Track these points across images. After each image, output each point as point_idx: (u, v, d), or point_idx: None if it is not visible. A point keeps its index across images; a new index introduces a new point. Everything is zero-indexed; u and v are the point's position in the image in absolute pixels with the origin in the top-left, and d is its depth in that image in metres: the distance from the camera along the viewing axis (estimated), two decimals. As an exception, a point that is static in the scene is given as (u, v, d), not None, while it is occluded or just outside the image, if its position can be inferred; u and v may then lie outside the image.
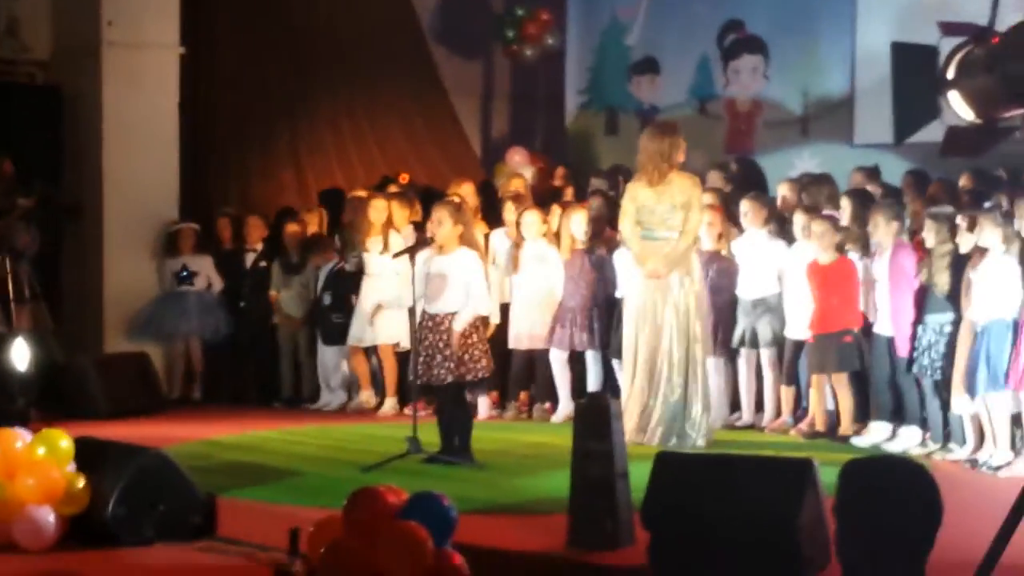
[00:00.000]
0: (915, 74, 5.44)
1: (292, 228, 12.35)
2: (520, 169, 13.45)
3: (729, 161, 12.72)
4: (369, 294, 11.49)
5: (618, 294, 10.61)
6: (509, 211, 11.39)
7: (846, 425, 9.89)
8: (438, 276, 9.16)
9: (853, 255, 9.91)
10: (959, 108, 5.38)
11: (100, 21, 12.67)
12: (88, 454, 7.67)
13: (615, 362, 10.61)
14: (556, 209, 11.39)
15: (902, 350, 9.44)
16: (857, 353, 9.81)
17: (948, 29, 5.63)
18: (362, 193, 12.28)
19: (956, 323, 9.01)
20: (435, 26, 15.74)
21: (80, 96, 12.90)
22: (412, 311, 9.34)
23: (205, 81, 13.77)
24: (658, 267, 9.58)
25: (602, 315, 10.80)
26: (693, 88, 14.24)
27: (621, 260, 10.46)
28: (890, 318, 9.55)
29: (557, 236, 11.10)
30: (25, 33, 12.92)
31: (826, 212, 10.22)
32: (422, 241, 9.81)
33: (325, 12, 14.51)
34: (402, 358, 11.49)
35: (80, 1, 12.88)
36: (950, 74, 5.49)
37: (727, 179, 11.68)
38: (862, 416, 9.94)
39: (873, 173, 11.40)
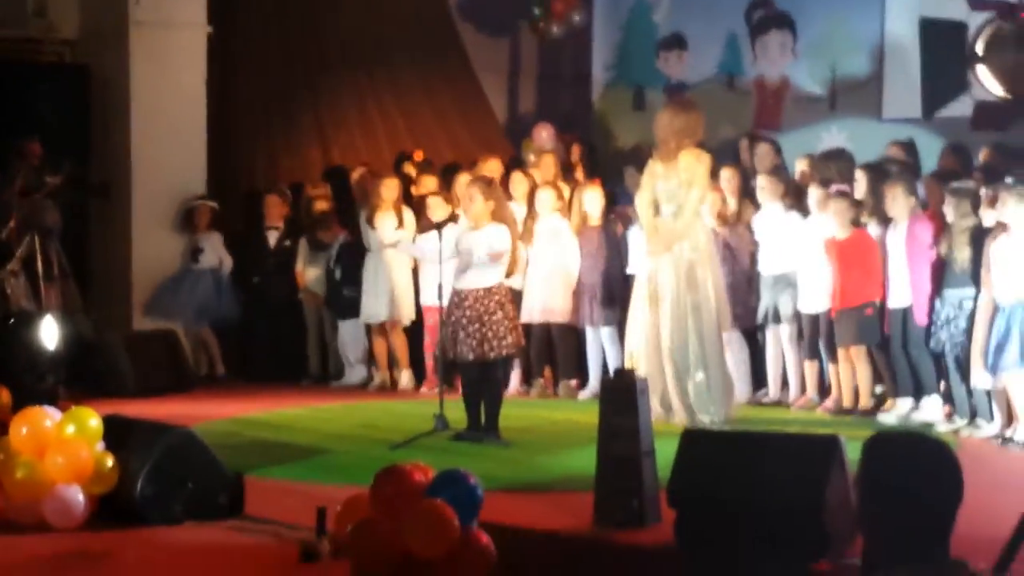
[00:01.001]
0: (943, 49, 5.40)
1: (321, 205, 12.34)
2: (547, 145, 13.43)
3: (759, 138, 12.65)
4: (378, 272, 11.52)
5: (629, 271, 10.60)
6: (518, 183, 11.39)
7: (865, 399, 9.87)
8: (465, 252, 9.16)
9: (871, 228, 9.87)
10: (988, 83, 5.34)
11: (127, 0, 12.67)
12: (117, 433, 7.69)
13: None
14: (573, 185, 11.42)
15: (920, 320, 9.41)
16: (878, 326, 9.78)
17: (976, 5, 5.59)
18: (366, 169, 12.29)
19: (976, 299, 8.98)
20: (463, 3, 15.70)
21: (108, 76, 12.94)
22: (441, 287, 9.32)
23: (231, 59, 13.77)
24: (656, 246, 9.53)
25: (619, 291, 10.76)
26: (721, 64, 14.20)
27: (635, 236, 10.43)
28: (909, 288, 9.50)
29: (573, 212, 11.11)
30: (53, 13, 12.96)
31: (837, 187, 10.17)
32: (450, 217, 9.85)
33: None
34: (411, 332, 11.59)
35: (107, -20, 12.91)
36: (979, 49, 5.46)
37: (776, 153, 11.49)
38: (893, 391, 9.92)
39: (909, 147, 11.33)
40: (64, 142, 11.93)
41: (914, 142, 11.42)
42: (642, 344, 9.65)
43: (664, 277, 9.55)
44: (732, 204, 10.74)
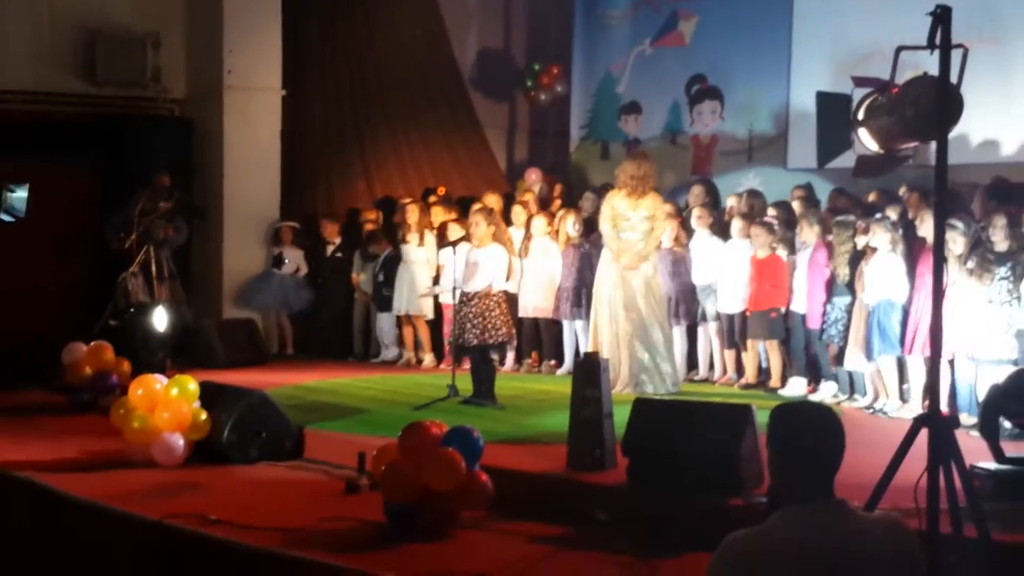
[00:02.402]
0: (834, 115, 5.40)
1: (370, 227, 12.32)
2: (534, 186, 13.45)
3: (694, 182, 12.70)
4: (405, 277, 11.49)
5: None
6: (518, 213, 11.38)
7: (776, 379, 9.87)
8: (472, 264, 9.18)
9: (780, 252, 9.86)
10: (866, 141, 5.35)
11: (223, 70, 12.65)
12: (209, 394, 7.71)
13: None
14: (558, 213, 11.40)
15: (813, 323, 9.42)
16: (783, 325, 9.79)
17: (859, 82, 5.57)
18: (404, 200, 12.28)
19: (852, 304, 9.01)
20: (473, 75, 15.69)
21: (207, 127, 12.89)
22: (455, 290, 9.32)
23: (299, 115, 13.73)
24: (632, 261, 9.57)
25: (589, 294, 10.78)
26: (667, 125, 14.17)
27: (603, 254, 10.47)
28: (806, 299, 9.51)
29: (558, 234, 11.10)
30: (166, 78, 12.91)
31: (765, 219, 10.17)
32: (462, 238, 9.85)
33: (388, 63, 14.45)
34: (432, 324, 11.56)
35: (207, 54, 12.85)
36: (860, 115, 5.42)
37: (706, 191, 11.52)
38: (792, 373, 9.91)
39: (808, 189, 11.38)
40: (174, 177, 11.91)
41: (812, 186, 11.44)
42: (608, 334, 9.64)
43: (626, 283, 9.56)
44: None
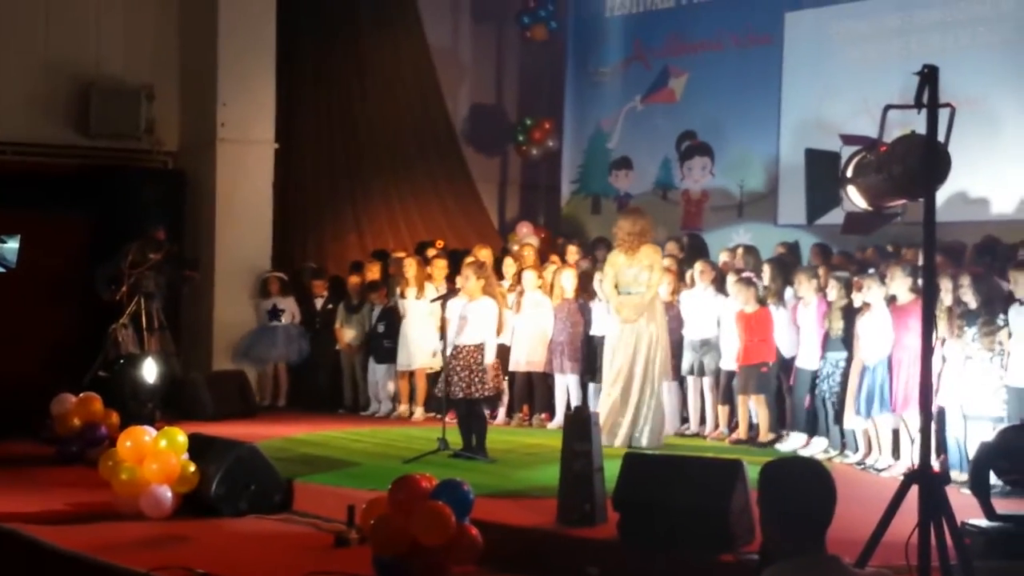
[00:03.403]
0: (823, 172, 5.44)
1: (353, 279, 12.34)
2: (526, 239, 13.48)
3: (682, 235, 12.77)
4: (407, 330, 11.50)
5: (592, 332, 10.62)
6: (508, 266, 11.42)
7: (764, 434, 9.85)
8: (462, 318, 9.20)
9: (772, 307, 9.88)
10: (855, 198, 5.39)
11: (216, 123, 12.74)
12: (198, 446, 7.69)
13: (591, 384, 10.61)
14: (550, 267, 11.43)
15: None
16: (773, 380, 9.78)
17: (848, 140, 5.62)
18: (401, 254, 12.30)
19: (848, 360, 9.01)
20: (465, 130, 15.81)
21: (199, 179, 12.96)
22: (445, 344, 9.33)
23: (292, 167, 13.79)
24: (631, 315, 9.59)
25: (582, 349, 10.79)
26: (657, 180, 14.25)
27: (598, 308, 10.46)
28: (813, 352, 9.46)
29: (550, 288, 11.11)
30: (159, 131, 12.98)
31: (745, 274, 10.20)
32: (451, 291, 9.86)
33: (381, 117, 14.54)
34: (431, 378, 11.54)
35: (200, 107, 12.94)
36: (849, 173, 5.47)
37: (680, 248, 11.66)
38: (780, 427, 9.90)
39: (792, 246, 11.45)
40: (166, 228, 11.91)
41: (797, 242, 11.51)
42: (611, 389, 9.62)
43: (628, 338, 9.57)
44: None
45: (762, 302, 9.84)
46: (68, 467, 9.02)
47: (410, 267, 11.59)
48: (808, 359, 9.49)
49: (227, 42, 12.76)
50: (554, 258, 12.20)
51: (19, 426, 9.94)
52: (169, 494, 7.36)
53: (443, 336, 9.35)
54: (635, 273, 9.65)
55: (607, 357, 9.75)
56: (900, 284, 8.65)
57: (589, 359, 10.68)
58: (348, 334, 12.17)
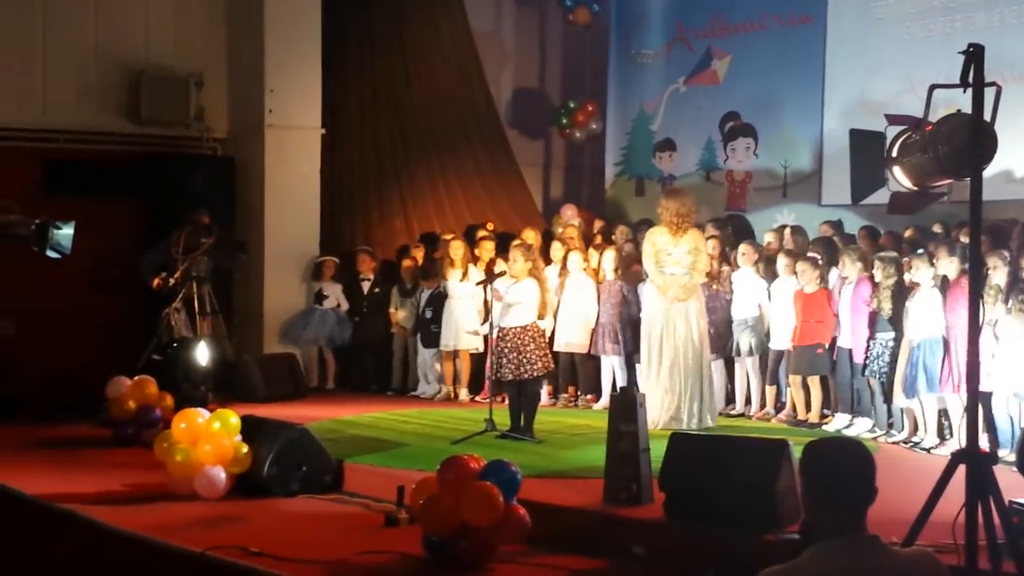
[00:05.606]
0: (867, 152, 5.39)
1: (407, 263, 12.37)
2: (571, 221, 13.46)
3: (725, 217, 12.71)
4: (451, 312, 11.53)
5: (642, 315, 10.61)
6: (556, 249, 11.42)
7: (815, 415, 9.81)
8: (510, 299, 9.19)
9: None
10: (900, 178, 5.33)
11: (264, 109, 12.80)
12: (251, 428, 7.75)
13: (637, 365, 10.61)
14: (593, 250, 11.41)
15: (858, 358, 9.36)
16: (828, 361, 9.73)
17: (893, 120, 5.57)
18: (447, 236, 12.33)
19: (897, 340, 8.95)
20: (509, 114, 15.79)
21: (248, 165, 13.03)
22: (492, 326, 9.34)
23: (338, 152, 13.84)
24: (679, 294, 9.58)
25: (627, 330, 10.76)
26: (701, 161, 14.18)
27: (645, 290, 10.44)
28: (850, 334, 9.46)
29: (595, 270, 11.11)
30: (209, 118, 13.06)
31: (810, 254, 10.14)
32: (491, 275, 9.88)
33: (425, 102, 14.55)
34: (475, 359, 11.57)
35: (249, 95, 13.00)
36: (894, 153, 5.42)
37: (719, 228, 11.55)
38: (825, 407, 9.85)
39: (837, 225, 11.36)
40: (215, 212, 12.01)
41: (841, 221, 11.41)
42: (652, 367, 9.62)
43: (675, 318, 9.57)
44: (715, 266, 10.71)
45: (822, 282, 9.76)
46: (124, 449, 9.13)
47: (457, 249, 11.62)
48: (850, 339, 9.42)
49: (274, 29, 12.81)
50: (598, 240, 12.19)
51: (76, 409, 10.08)
52: (223, 475, 7.43)
53: (486, 319, 9.36)
54: (680, 255, 9.63)
55: (649, 336, 9.71)
56: (947, 264, 8.57)
57: (637, 340, 10.65)
58: (400, 316, 12.22)
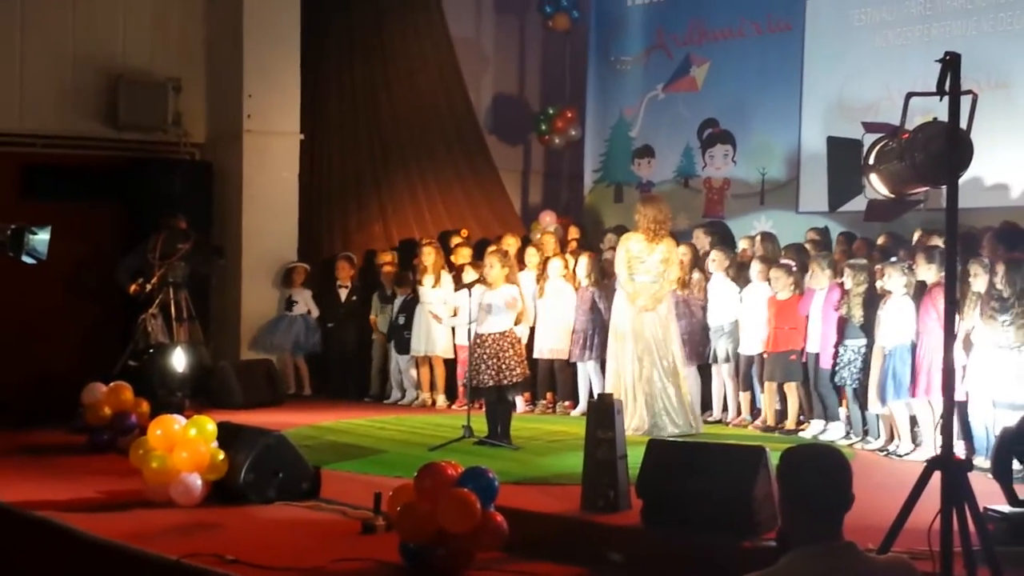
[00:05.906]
0: (844, 160, 5.41)
1: (387, 269, 12.35)
2: (548, 228, 13.48)
3: (706, 224, 12.73)
4: (422, 318, 11.54)
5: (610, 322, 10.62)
6: (531, 255, 11.41)
7: (792, 421, 9.83)
8: (486, 306, 9.19)
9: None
10: (877, 186, 5.37)
11: (242, 114, 12.77)
12: (227, 434, 7.72)
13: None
14: (570, 256, 11.42)
15: (825, 364, 9.39)
16: (801, 367, 9.76)
17: (870, 128, 5.59)
18: (424, 242, 12.32)
19: (868, 346, 8.98)
20: (488, 120, 15.80)
21: (226, 170, 12.99)
22: (469, 332, 9.34)
23: (317, 158, 13.82)
24: (647, 303, 9.58)
25: (601, 336, 10.75)
26: (679, 168, 14.18)
27: (615, 297, 10.42)
28: (819, 340, 9.49)
29: (574, 276, 11.12)
30: (187, 123, 13.02)
31: (783, 261, 10.17)
32: (475, 280, 9.87)
33: (405, 108, 14.53)
34: (448, 364, 11.55)
35: (227, 99, 12.97)
36: (871, 160, 5.45)
37: (709, 234, 11.58)
38: (801, 414, 9.87)
39: (824, 232, 11.40)
40: (193, 218, 11.97)
41: (827, 228, 11.46)
42: (624, 375, 9.62)
43: (643, 325, 9.57)
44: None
45: (797, 288, 9.78)
46: (99, 456, 9.07)
47: (428, 255, 11.61)
48: (818, 344, 9.46)
49: (252, 34, 12.78)
50: (573, 246, 12.20)
51: (51, 416, 10.02)
52: (199, 482, 7.40)
53: (468, 324, 9.36)
54: (652, 263, 9.63)
55: (619, 342, 9.69)
56: (926, 271, 8.61)
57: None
58: (381, 323, 12.20)
